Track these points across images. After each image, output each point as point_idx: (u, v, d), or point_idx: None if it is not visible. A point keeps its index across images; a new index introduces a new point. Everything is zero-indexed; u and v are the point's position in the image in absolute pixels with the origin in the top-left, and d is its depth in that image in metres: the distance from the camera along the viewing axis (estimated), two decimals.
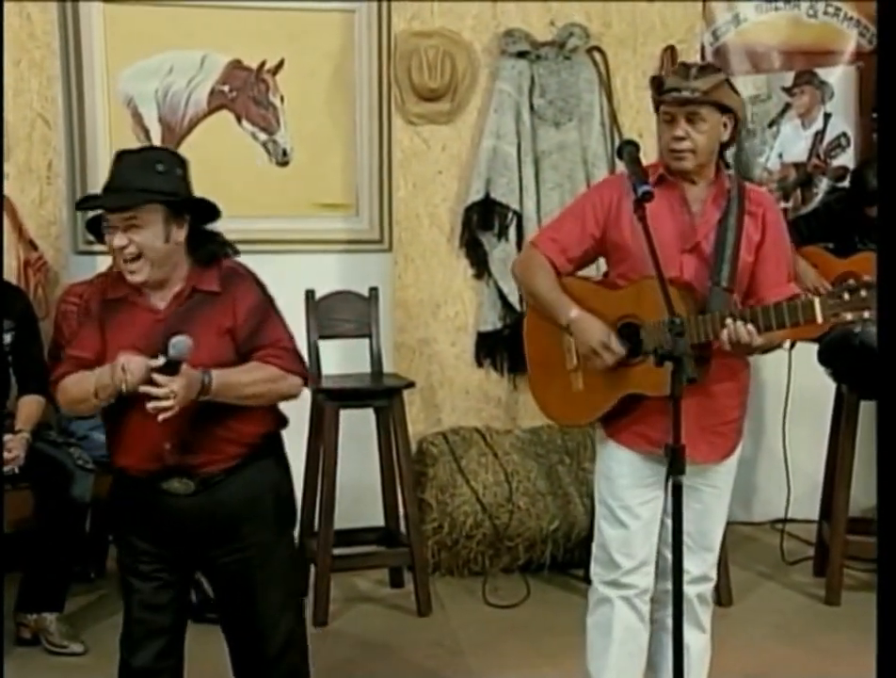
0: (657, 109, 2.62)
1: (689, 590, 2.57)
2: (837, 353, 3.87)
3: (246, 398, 2.39)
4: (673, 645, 2.35)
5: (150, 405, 2.24)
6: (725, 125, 2.58)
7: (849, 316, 2.28)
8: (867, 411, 3.91)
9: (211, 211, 2.49)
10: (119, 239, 2.37)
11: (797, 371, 4.13)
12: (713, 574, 2.76)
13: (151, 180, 2.39)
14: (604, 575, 2.71)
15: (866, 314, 2.25)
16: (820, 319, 2.31)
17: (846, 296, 2.27)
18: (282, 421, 2.57)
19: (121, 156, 2.48)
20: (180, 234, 2.43)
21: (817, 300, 2.32)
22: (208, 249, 2.49)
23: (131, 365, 2.26)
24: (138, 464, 2.44)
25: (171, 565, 2.50)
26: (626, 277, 2.63)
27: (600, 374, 2.61)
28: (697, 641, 2.73)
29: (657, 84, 2.61)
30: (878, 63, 2.52)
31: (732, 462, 2.71)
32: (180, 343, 2.26)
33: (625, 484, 2.66)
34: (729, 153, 4.56)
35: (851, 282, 2.29)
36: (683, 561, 2.43)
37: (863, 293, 2.26)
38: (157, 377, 2.24)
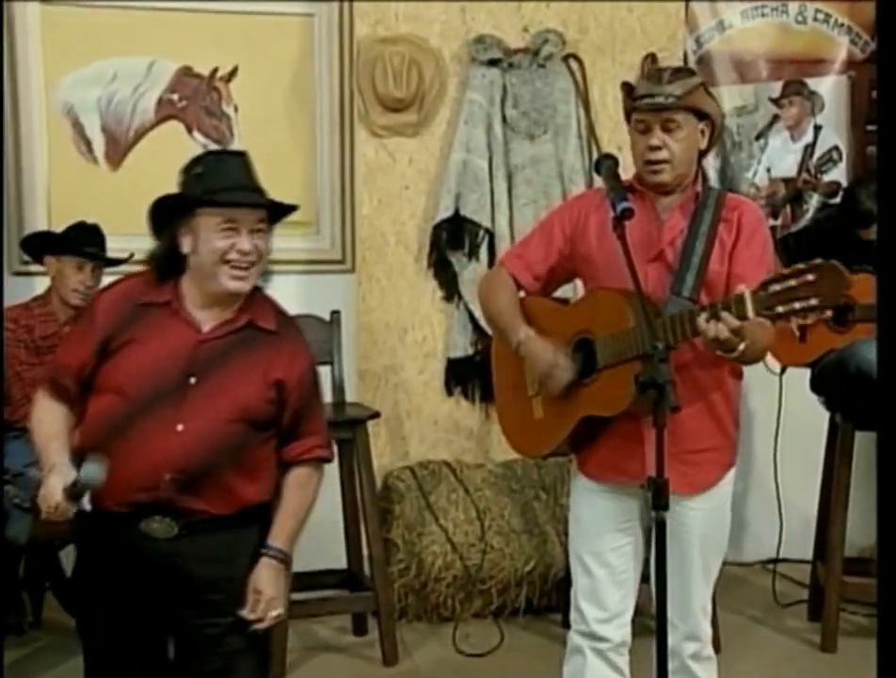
0: (629, 118, 2.56)
1: (681, 648, 2.54)
2: (831, 380, 3.78)
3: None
4: None
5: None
6: (703, 132, 2.50)
7: (780, 309, 2.20)
8: (863, 442, 3.82)
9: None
10: (246, 243, 2.29)
11: (788, 399, 4.09)
12: (701, 631, 2.60)
13: (259, 184, 2.36)
14: (577, 624, 2.65)
15: (797, 306, 2.17)
16: (751, 314, 2.23)
17: (775, 286, 2.20)
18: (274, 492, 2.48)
19: (218, 155, 2.46)
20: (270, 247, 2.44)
21: (747, 293, 2.24)
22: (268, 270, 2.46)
23: (46, 499, 2.20)
24: (123, 495, 2.28)
25: (138, 622, 2.36)
26: None
27: (558, 398, 2.57)
28: None
29: (628, 89, 2.53)
30: (878, 67, 2.53)
31: (714, 498, 2.57)
32: (93, 470, 2.19)
33: (595, 530, 2.61)
34: (713, 168, 4.73)
35: (780, 273, 2.23)
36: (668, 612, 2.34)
37: (792, 282, 2.17)
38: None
